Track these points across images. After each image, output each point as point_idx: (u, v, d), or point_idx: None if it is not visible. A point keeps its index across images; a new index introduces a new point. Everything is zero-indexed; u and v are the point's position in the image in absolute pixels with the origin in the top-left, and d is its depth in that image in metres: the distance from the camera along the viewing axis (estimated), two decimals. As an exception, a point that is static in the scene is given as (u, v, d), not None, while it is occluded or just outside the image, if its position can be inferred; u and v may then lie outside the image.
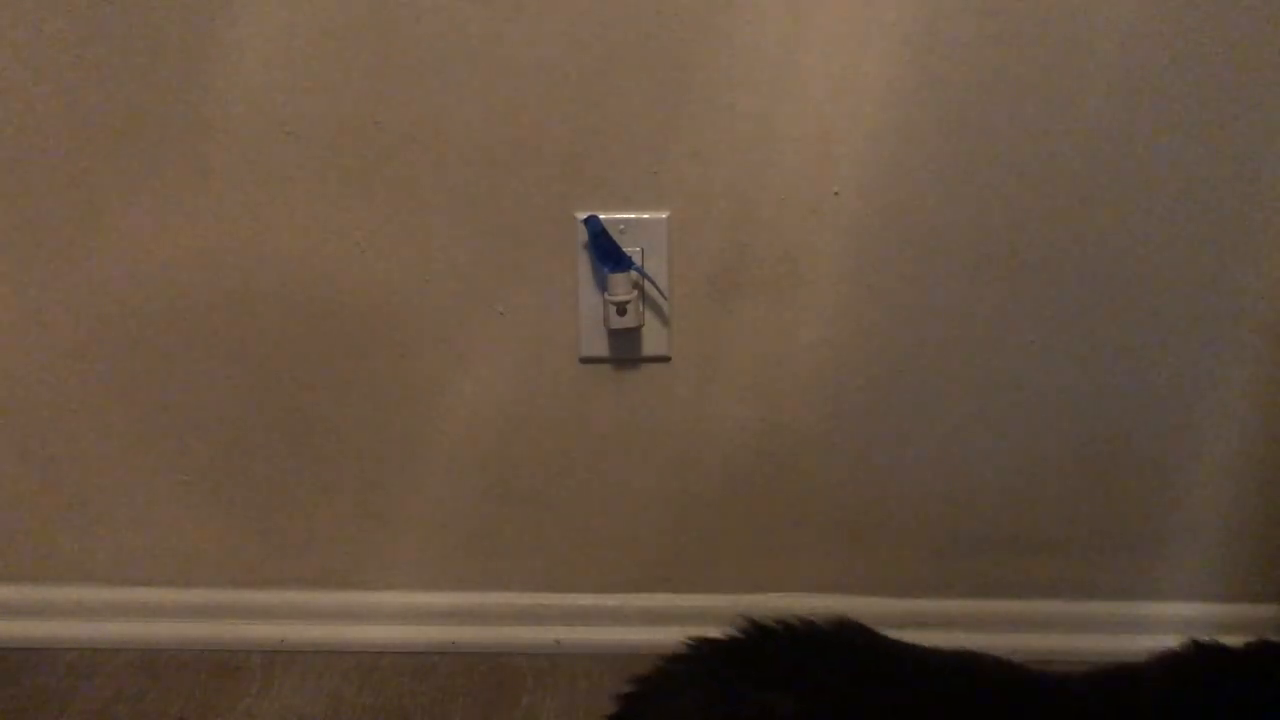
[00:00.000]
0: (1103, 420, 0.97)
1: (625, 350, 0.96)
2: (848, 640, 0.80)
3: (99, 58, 0.88)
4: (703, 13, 0.86)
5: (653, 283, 0.94)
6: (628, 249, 0.92)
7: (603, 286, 0.93)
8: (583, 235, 0.92)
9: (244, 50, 0.88)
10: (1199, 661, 0.75)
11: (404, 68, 0.88)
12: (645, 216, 0.92)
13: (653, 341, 0.96)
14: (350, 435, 1.00)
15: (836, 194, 0.91)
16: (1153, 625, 0.99)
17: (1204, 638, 0.78)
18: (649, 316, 0.95)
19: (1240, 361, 0.94)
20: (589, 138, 0.90)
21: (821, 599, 1.04)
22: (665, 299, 0.94)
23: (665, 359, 0.97)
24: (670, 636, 1.04)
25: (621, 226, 0.92)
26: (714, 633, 0.82)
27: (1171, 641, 0.80)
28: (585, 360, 0.97)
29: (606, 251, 0.91)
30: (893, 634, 1.03)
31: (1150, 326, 0.94)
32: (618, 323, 0.93)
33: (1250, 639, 0.78)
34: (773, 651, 0.78)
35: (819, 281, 0.93)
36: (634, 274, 0.92)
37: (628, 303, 0.92)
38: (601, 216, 0.91)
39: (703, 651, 0.81)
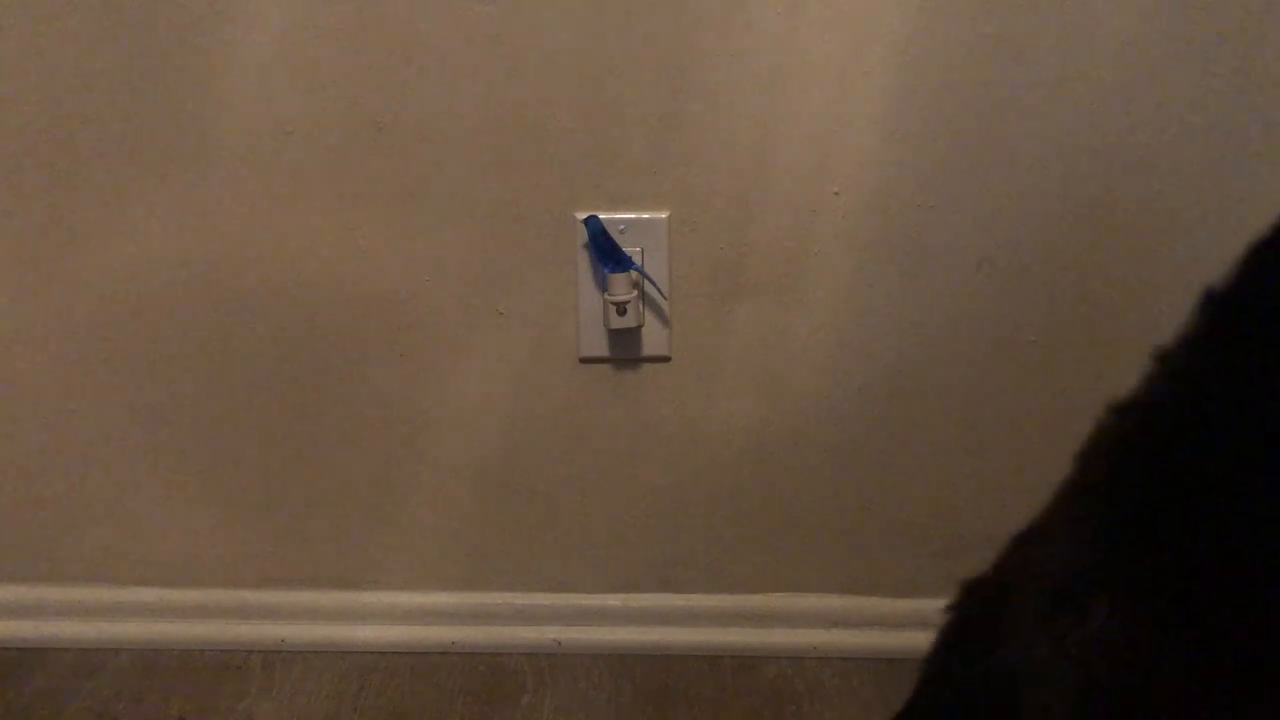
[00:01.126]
0: (1103, 420, 0.97)
1: (625, 350, 0.96)
2: None
3: (99, 58, 0.88)
4: (703, 13, 0.86)
5: (653, 283, 0.94)
6: (628, 249, 0.92)
7: (603, 286, 0.93)
8: (583, 235, 0.92)
9: (244, 50, 0.88)
10: None
11: (404, 68, 0.88)
12: (645, 216, 0.92)
13: (653, 341, 0.96)
14: (350, 435, 1.00)
15: (836, 194, 0.91)
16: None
17: None
18: (649, 316, 0.95)
19: (1240, 361, 0.94)
20: (589, 138, 0.90)
21: (821, 599, 1.04)
22: (665, 299, 0.94)
23: (665, 359, 0.97)
24: (670, 637, 1.05)
25: (621, 226, 0.92)
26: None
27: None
28: (585, 360, 0.97)
29: (606, 251, 0.91)
30: (893, 634, 1.04)
31: (1151, 327, 0.94)
32: (618, 323, 0.93)
33: None
34: None
35: (819, 281, 0.93)
36: (634, 274, 0.92)
37: (628, 303, 0.92)
38: (601, 216, 0.91)
39: None
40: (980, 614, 0.64)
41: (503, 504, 1.02)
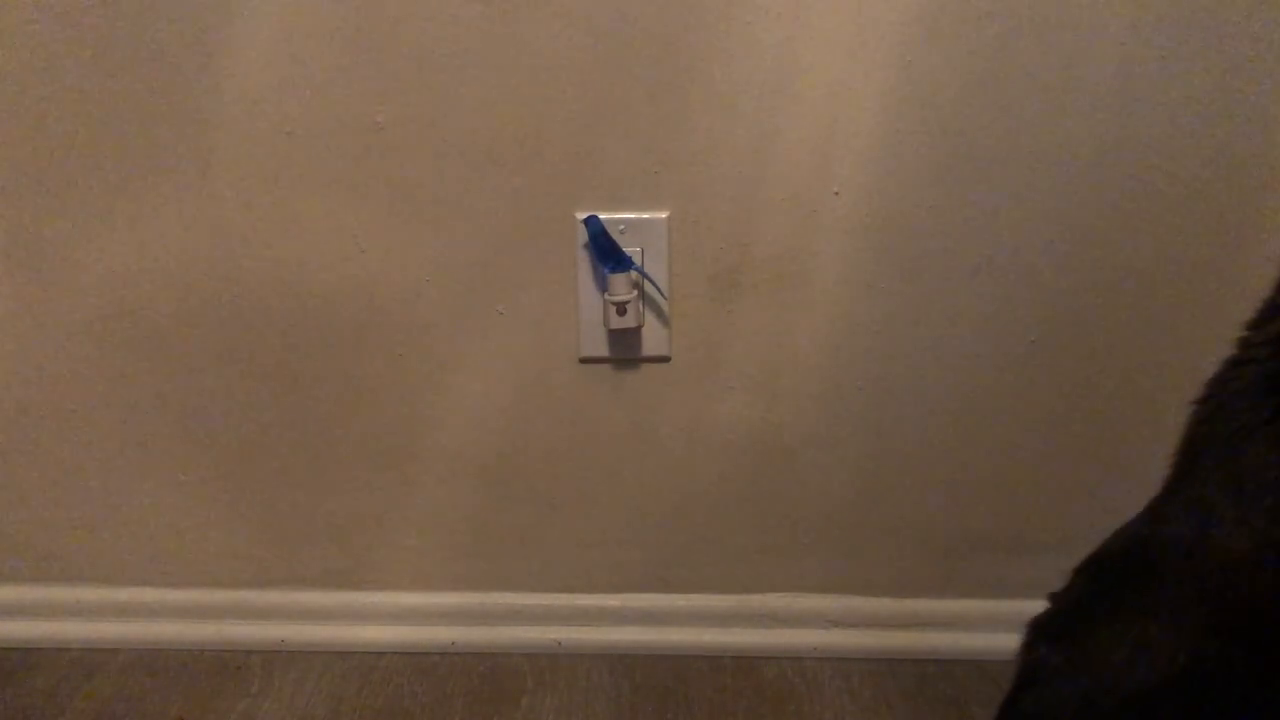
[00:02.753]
0: (1102, 420, 0.97)
1: (625, 350, 0.96)
2: None
3: (99, 58, 0.88)
4: (703, 13, 0.86)
5: (653, 283, 0.94)
6: (628, 249, 0.92)
7: (603, 286, 0.93)
8: (583, 235, 0.92)
9: (244, 50, 0.88)
10: None
11: (404, 68, 0.88)
12: (645, 216, 0.92)
13: (653, 341, 0.96)
14: (350, 435, 1.00)
15: (836, 194, 0.91)
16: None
17: None
18: (649, 316, 0.95)
19: (1240, 361, 0.94)
20: (589, 138, 0.90)
21: (821, 599, 1.04)
22: (665, 299, 0.94)
23: (665, 359, 0.97)
24: (670, 637, 1.05)
25: (621, 226, 0.92)
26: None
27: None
28: (585, 360, 0.97)
29: (606, 251, 0.91)
30: (893, 634, 1.04)
31: (1150, 327, 0.94)
32: (618, 323, 0.93)
33: None
34: None
35: (819, 281, 0.93)
36: (634, 274, 0.92)
37: (628, 303, 0.92)
38: (601, 216, 0.91)
39: None
40: None
41: (503, 504, 1.02)
